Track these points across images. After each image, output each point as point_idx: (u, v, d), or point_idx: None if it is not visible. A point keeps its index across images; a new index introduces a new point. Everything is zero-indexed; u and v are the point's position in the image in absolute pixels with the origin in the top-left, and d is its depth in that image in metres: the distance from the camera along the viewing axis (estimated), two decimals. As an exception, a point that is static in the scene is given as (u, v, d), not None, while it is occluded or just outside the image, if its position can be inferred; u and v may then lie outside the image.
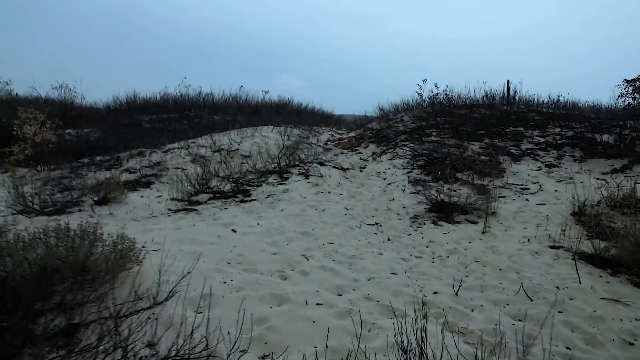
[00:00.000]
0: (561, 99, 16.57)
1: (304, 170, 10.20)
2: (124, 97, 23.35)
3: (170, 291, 3.87)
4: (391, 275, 4.93)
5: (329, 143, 14.38)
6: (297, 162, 10.79)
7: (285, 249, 5.56)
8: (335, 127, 18.27)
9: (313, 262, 5.15)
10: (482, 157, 10.63)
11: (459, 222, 7.11)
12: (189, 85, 24.57)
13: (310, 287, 4.45)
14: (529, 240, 6.18)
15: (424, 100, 17.98)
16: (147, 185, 9.72)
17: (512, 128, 13.06)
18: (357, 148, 13.71)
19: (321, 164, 10.95)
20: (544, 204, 7.87)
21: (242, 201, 8.00)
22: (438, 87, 17.53)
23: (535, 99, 16.45)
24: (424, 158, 10.85)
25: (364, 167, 11.24)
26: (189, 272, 4.03)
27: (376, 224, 6.94)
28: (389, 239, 6.26)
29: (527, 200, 8.16)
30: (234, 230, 6.19)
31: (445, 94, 17.46)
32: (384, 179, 10.04)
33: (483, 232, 6.54)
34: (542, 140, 11.90)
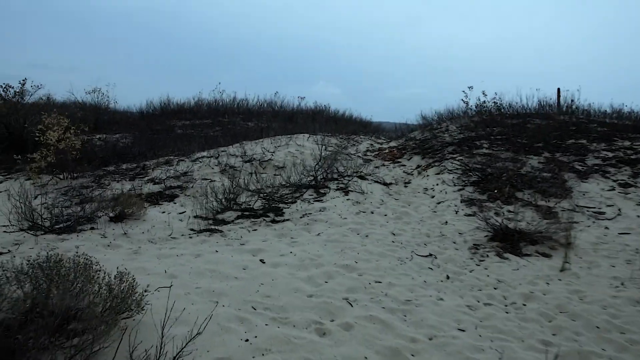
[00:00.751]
0: (625, 108, 15.10)
1: (342, 185, 9.21)
2: (158, 102, 22.90)
3: (175, 357, 2.95)
4: (458, 332, 3.87)
5: (368, 153, 13.37)
6: (335, 176, 9.82)
7: (324, 288, 4.57)
8: (374, 136, 17.24)
9: (358, 309, 4.15)
10: (544, 174, 9.42)
11: (528, 255, 5.98)
12: (223, 91, 23.85)
13: (356, 349, 3.45)
14: (622, 283, 5.01)
15: (470, 109, 16.76)
16: (171, 198, 8.91)
17: (572, 141, 11.75)
18: (399, 160, 12.64)
19: (361, 177, 9.94)
20: (628, 234, 6.65)
21: (273, 221, 7.07)
22: (486, 95, 16.28)
23: (596, 109, 15.04)
24: (477, 173, 9.70)
25: (409, 182, 10.18)
26: (198, 334, 3.09)
27: (430, 255, 5.87)
28: (448, 277, 5.18)
29: (607, 228, 6.95)
30: (262, 261, 5.25)
31: (494, 102, 16.19)
32: (433, 197, 8.96)
33: (562, 270, 5.40)
34: (610, 155, 10.58)
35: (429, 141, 13.51)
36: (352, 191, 8.80)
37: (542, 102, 15.34)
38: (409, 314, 4.16)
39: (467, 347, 3.60)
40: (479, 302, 4.56)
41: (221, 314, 3.77)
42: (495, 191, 8.63)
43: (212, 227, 6.80)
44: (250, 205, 7.80)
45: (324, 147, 11.82)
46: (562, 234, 6.19)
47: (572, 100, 15.36)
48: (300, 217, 7.28)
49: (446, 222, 7.37)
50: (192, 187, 9.55)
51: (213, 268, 4.92)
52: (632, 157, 10.26)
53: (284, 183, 9.15)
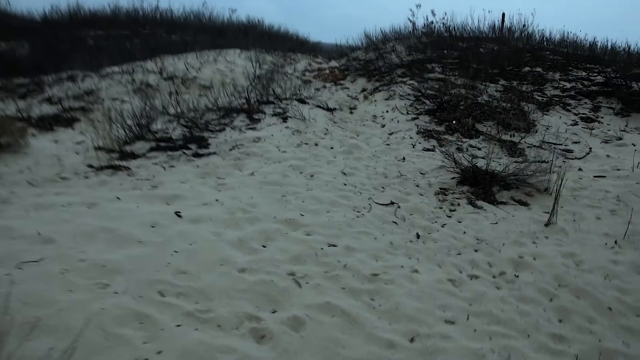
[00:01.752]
0: (576, 37, 14.36)
1: (280, 110, 7.82)
2: (66, 8, 19.63)
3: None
4: (446, 326, 2.83)
5: (307, 74, 11.92)
6: (271, 98, 8.39)
7: (261, 257, 3.35)
8: (312, 55, 15.71)
9: (309, 292, 2.99)
10: (503, 104, 8.49)
11: (504, 204, 5.03)
12: None
13: (312, 366, 2.34)
14: (616, 242, 4.18)
15: (417, 30, 15.47)
16: (70, 123, 7.20)
17: (528, 68, 10.88)
18: (342, 82, 11.33)
19: (301, 101, 8.58)
20: (603, 177, 5.88)
21: (195, 155, 5.66)
22: (435, 15, 15.00)
23: (548, 36, 14.20)
24: (431, 100, 8.62)
25: (355, 108, 8.95)
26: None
27: (392, 203, 4.76)
28: (418, 236, 4.11)
29: (580, 170, 6.15)
30: (178, 214, 3.92)
31: (443, 23, 14.96)
32: (384, 126, 7.81)
33: (547, 225, 4.50)
34: (568, 85, 9.81)
35: (374, 62, 12.20)
36: (291, 117, 7.46)
37: (495, 26, 14.28)
38: (377, 296, 3.06)
39: (462, 351, 2.58)
40: (461, 272, 3.54)
41: (111, 310, 2.49)
42: (454, 122, 7.61)
43: (117, 162, 5.31)
44: (167, 134, 6.31)
45: (258, 64, 10.26)
46: (540, 179, 5.29)
47: (523, 25, 14.40)
48: (230, 150, 5.92)
49: (403, 158, 6.28)
50: (97, 109, 7.84)
51: (110, 226, 3.55)
52: (590, 88, 9.54)
53: (210, 106, 7.64)
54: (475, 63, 10.87)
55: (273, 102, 8.22)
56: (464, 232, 4.25)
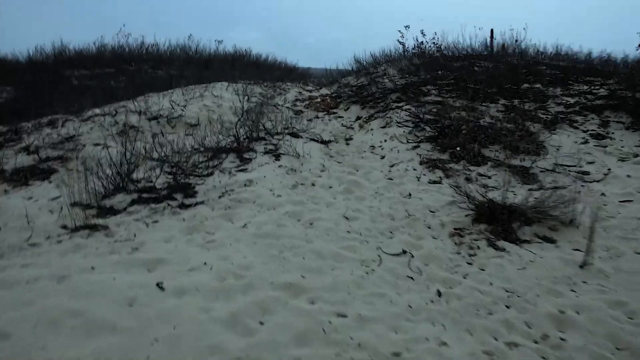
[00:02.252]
0: (569, 49, 14.06)
1: (272, 147, 7.31)
2: (50, 48, 19.23)
3: None
4: None
5: (297, 103, 11.50)
6: (261, 134, 7.88)
7: (258, 340, 2.78)
8: (302, 83, 15.34)
9: (320, 387, 2.45)
10: (507, 125, 8.03)
11: (527, 242, 4.49)
12: (129, 35, 20.49)
13: None
14: (671, 285, 3.65)
15: (408, 51, 15.14)
16: (47, 175, 6.66)
17: (527, 85, 10.48)
18: (334, 110, 10.89)
19: (294, 135, 8.09)
20: (630, 201, 5.38)
21: (182, 206, 5.11)
22: (425, 35, 14.68)
23: (542, 49, 13.91)
24: (431, 126, 8.14)
25: (351, 139, 8.47)
26: None
27: (404, 252, 4.21)
28: (439, 294, 3.55)
29: (603, 195, 5.64)
30: (160, 286, 3.35)
31: (434, 42, 14.64)
32: (383, 157, 7.32)
33: (582, 267, 3.96)
34: (571, 100, 9.39)
35: (366, 87, 11.80)
36: (284, 154, 6.95)
37: (487, 44, 13.98)
38: (403, 386, 2.50)
39: None
40: (497, 340, 2.98)
41: None
42: (458, 149, 7.12)
43: (94, 221, 4.75)
44: (151, 182, 5.77)
45: (246, 97, 9.80)
46: (564, 210, 4.76)
47: (516, 41, 14.13)
48: (219, 197, 5.37)
49: (409, 194, 5.76)
50: (77, 157, 7.32)
51: (80, 307, 2.99)
52: (595, 103, 9.12)
53: (197, 147, 7.12)
54: (472, 83, 10.49)
55: (264, 138, 7.71)
56: (490, 284, 3.70)
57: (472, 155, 6.91)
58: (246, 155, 6.87)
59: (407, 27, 14.99)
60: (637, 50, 12.61)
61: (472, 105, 9.04)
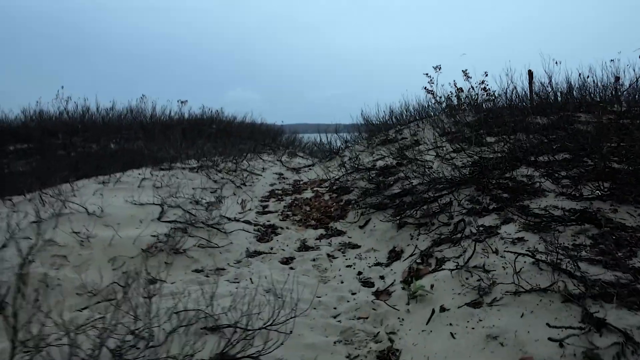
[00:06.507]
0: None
1: None
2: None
3: None
4: None
5: (271, 203, 6.26)
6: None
7: None
8: (288, 152, 10.19)
9: None
10: None
11: None
12: (68, 98, 14.71)
13: None
14: None
15: (438, 101, 9.96)
16: None
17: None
18: (338, 226, 5.62)
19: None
20: None
21: None
22: (469, 77, 9.46)
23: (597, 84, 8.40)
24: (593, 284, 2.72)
25: (394, 354, 3.03)
26: None
27: None
28: None
29: None
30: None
31: (484, 88, 9.39)
32: None
33: None
34: None
35: (393, 170, 6.55)
36: None
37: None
38: None
39: None
40: None
41: None
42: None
43: None
44: None
45: (161, 208, 4.52)
46: None
47: (549, 80, 8.58)
48: None
49: None
50: None
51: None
52: None
53: None
54: (596, 155, 5.07)
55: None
56: None
57: None
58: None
59: (437, 67, 9.91)
60: None
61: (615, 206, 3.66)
